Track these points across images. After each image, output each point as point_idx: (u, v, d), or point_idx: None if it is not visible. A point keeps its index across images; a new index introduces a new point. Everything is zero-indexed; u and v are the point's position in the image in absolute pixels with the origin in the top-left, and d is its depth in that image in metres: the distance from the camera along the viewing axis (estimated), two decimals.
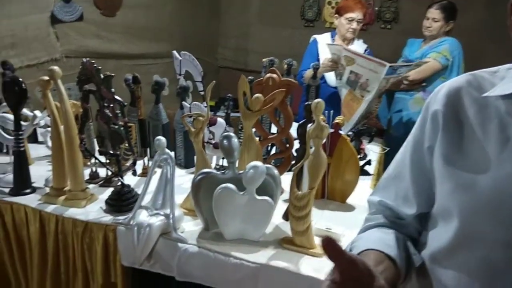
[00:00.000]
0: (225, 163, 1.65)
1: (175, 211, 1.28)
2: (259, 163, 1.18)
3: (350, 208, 1.54)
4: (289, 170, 1.56)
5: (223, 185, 1.21)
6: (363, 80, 1.96)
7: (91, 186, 1.63)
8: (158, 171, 1.35)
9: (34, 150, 1.97)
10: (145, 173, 1.74)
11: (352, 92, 2.05)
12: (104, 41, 3.14)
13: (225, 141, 1.23)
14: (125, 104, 1.28)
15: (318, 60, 2.55)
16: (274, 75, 1.49)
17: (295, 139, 1.66)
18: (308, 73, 2.44)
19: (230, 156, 1.24)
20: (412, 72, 2.37)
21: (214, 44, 4.48)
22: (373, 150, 1.89)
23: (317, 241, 1.24)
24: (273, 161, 1.58)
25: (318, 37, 2.71)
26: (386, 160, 1.61)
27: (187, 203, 1.43)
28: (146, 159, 1.76)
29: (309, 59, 2.53)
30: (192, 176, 1.74)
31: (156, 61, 3.72)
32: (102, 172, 1.67)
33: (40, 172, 1.70)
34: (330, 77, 2.44)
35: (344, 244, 1.26)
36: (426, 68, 2.42)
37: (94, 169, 1.68)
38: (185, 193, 1.54)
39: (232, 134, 1.24)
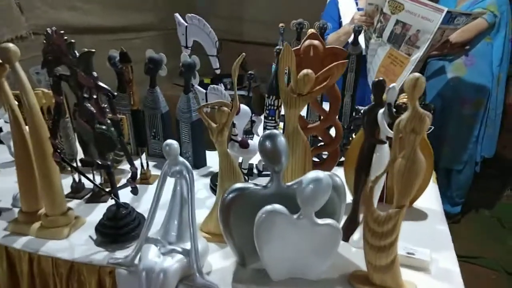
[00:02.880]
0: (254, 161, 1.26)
1: (198, 244, 0.89)
2: (321, 174, 0.79)
3: (422, 215, 1.18)
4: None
5: (269, 208, 0.82)
6: (413, 32, 1.56)
7: (74, 202, 1.23)
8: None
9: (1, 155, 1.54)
10: (144, 179, 1.34)
11: (395, 52, 1.65)
12: (79, 13, 2.64)
13: (267, 142, 0.84)
14: (115, 94, 0.86)
15: (339, 23, 2.13)
16: (316, 42, 1.08)
17: (347, 128, 1.28)
18: (332, 38, 2.03)
19: (276, 163, 0.85)
20: (454, 33, 1.97)
21: (204, 14, 3.99)
22: None
23: (405, 276, 0.88)
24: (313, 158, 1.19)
25: None
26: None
27: (210, 224, 1.05)
28: (143, 159, 1.35)
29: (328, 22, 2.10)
30: (207, 180, 1.37)
31: (140, 34, 3.25)
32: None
33: (7, 184, 1.29)
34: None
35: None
36: (470, 28, 2.01)
37: (76, 178, 1.28)
38: (200, 207, 1.15)
39: (277, 132, 0.84)
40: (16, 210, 1.16)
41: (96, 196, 1.22)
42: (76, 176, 1.28)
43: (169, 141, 0.85)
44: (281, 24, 1.66)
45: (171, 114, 1.48)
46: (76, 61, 0.85)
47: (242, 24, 4.08)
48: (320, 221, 0.84)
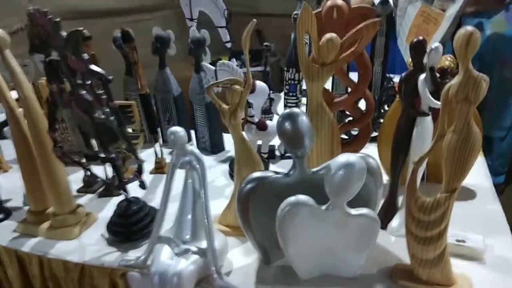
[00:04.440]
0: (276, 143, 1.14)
1: (215, 241, 0.79)
2: (352, 157, 0.66)
3: (470, 194, 1.04)
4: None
5: (292, 199, 0.71)
6: None
7: (86, 197, 1.16)
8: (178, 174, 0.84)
9: (9, 150, 1.48)
10: (159, 168, 1.24)
11: (427, 9, 1.46)
12: None
13: (287, 124, 0.71)
14: (110, 78, 0.75)
15: None
16: (340, 2, 0.93)
17: (378, 100, 1.13)
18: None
19: (298, 147, 0.73)
20: None
21: None
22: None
23: (455, 268, 0.75)
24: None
25: None
26: None
27: (229, 216, 0.95)
28: (157, 147, 1.25)
29: None
30: (225, 166, 1.29)
31: (154, 14, 3.13)
32: (102, 171, 1.17)
33: (19, 182, 1.22)
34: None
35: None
36: None
37: (88, 171, 1.19)
38: (218, 197, 1.05)
39: (297, 110, 0.71)
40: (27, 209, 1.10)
41: (109, 190, 1.14)
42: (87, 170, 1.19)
43: (173, 128, 0.74)
44: None
45: (186, 96, 1.37)
46: (63, 43, 0.74)
47: None
48: (353, 211, 0.72)
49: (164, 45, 1.25)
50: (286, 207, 0.71)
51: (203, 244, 0.79)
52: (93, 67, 0.75)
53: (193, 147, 0.78)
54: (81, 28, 0.74)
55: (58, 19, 0.75)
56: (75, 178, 1.19)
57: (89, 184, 1.18)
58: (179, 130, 0.74)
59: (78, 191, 1.18)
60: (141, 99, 1.17)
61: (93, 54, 1.12)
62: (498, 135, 2.29)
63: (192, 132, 1.40)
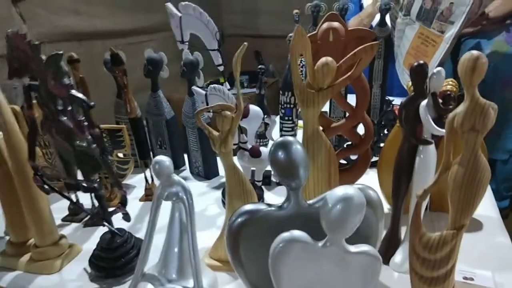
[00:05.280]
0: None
1: (203, 279, 0.73)
2: (350, 190, 0.61)
3: (476, 225, 0.98)
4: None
5: (286, 235, 0.65)
6: (445, 5, 1.35)
7: (71, 227, 1.10)
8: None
9: None
10: (149, 195, 1.19)
11: (426, 31, 1.43)
12: (84, 18, 2.53)
13: (280, 153, 0.66)
14: (92, 103, 0.71)
15: (360, 6, 1.93)
16: (336, 24, 0.90)
17: (377, 123, 1.09)
18: (354, 23, 1.82)
19: (292, 178, 0.68)
20: (491, 5, 1.74)
21: (216, 9, 3.82)
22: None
23: None
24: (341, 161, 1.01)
25: None
26: None
27: (220, 250, 0.88)
28: (148, 173, 1.20)
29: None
30: (218, 193, 1.23)
31: (152, 36, 3.12)
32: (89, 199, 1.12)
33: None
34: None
35: None
36: None
37: (74, 198, 1.14)
38: (210, 227, 0.99)
39: (291, 139, 0.66)
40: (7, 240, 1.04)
41: (94, 219, 1.08)
42: (73, 196, 1.14)
43: (158, 158, 0.69)
44: (295, 11, 1.47)
45: (179, 120, 1.32)
46: (42, 67, 0.70)
47: (258, 17, 3.90)
48: (352, 248, 0.66)
49: (156, 68, 1.22)
50: (280, 244, 0.65)
51: (190, 283, 0.73)
52: (74, 92, 0.71)
53: (179, 177, 0.72)
54: (61, 52, 0.69)
55: (37, 42, 0.71)
56: (61, 206, 1.13)
57: (75, 212, 1.13)
58: (164, 159, 0.69)
59: (63, 219, 1.12)
60: (131, 123, 1.12)
61: (82, 78, 1.08)
62: (500, 157, 2.24)
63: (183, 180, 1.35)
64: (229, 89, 0.91)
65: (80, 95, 0.71)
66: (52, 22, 2.33)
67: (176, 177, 0.72)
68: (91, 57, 2.31)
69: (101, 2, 2.64)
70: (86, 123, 0.74)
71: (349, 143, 1.04)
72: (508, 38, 1.92)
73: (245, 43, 0.70)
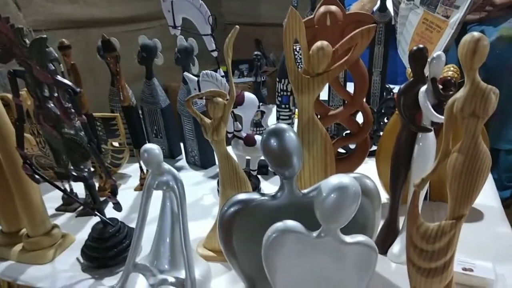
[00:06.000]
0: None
1: (195, 270, 0.71)
2: (345, 179, 0.59)
3: (477, 215, 0.95)
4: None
5: (280, 225, 0.63)
6: None
7: (65, 217, 1.08)
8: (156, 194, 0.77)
9: None
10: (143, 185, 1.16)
11: (430, 16, 1.40)
12: (80, 6, 2.49)
13: (272, 141, 0.64)
14: (78, 89, 0.68)
15: None
16: (334, 8, 0.86)
17: (377, 112, 1.06)
18: (355, 8, 1.78)
19: (286, 167, 0.65)
20: None
21: None
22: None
23: None
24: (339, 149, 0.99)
25: None
26: None
27: (214, 240, 0.87)
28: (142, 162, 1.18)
29: None
30: (214, 182, 1.21)
31: (151, 24, 3.06)
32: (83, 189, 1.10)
33: None
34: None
35: None
36: None
37: (67, 187, 1.12)
38: (205, 217, 0.98)
39: (285, 126, 0.64)
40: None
41: (86, 209, 1.06)
42: (67, 185, 1.12)
43: (147, 146, 0.67)
44: None
45: (175, 109, 1.30)
46: (27, 52, 0.67)
47: (258, 5, 3.84)
48: (348, 238, 0.64)
49: (150, 55, 1.19)
50: (273, 234, 0.63)
51: (182, 274, 0.71)
52: (60, 78, 0.68)
53: (169, 166, 0.70)
54: (45, 36, 0.67)
55: (20, 26, 0.68)
56: (55, 196, 1.11)
57: (69, 202, 1.11)
58: (153, 147, 0.67)
59: (57, 209, 1.11)
60: (124, 111, 1.10)
61: (73, 64, 1.05)
62: (505, 147, 2.20)
63: (182, 145, 1.33)
64: (222, 76, 0.88)
65: (66, 81, 0.68)
66: (47, 9, 2.29)
67: (166, 166, 0.70)
68: (88, 45, 2.27)
69: None
70: (73, 110, 0.71)
71: (348, 131, 1.02)
72: None
73: (237, 26, 0.67)
